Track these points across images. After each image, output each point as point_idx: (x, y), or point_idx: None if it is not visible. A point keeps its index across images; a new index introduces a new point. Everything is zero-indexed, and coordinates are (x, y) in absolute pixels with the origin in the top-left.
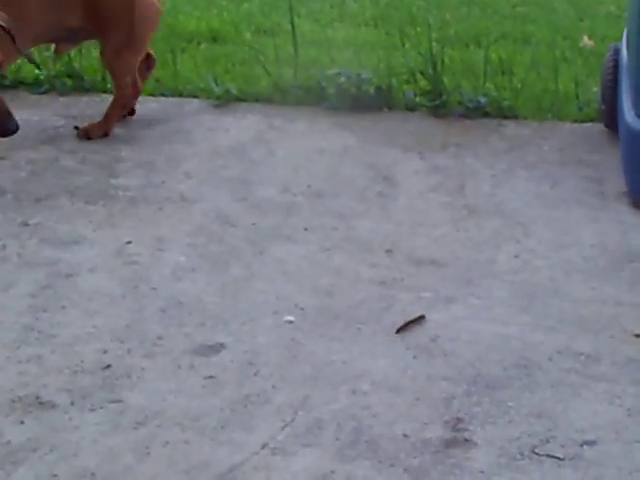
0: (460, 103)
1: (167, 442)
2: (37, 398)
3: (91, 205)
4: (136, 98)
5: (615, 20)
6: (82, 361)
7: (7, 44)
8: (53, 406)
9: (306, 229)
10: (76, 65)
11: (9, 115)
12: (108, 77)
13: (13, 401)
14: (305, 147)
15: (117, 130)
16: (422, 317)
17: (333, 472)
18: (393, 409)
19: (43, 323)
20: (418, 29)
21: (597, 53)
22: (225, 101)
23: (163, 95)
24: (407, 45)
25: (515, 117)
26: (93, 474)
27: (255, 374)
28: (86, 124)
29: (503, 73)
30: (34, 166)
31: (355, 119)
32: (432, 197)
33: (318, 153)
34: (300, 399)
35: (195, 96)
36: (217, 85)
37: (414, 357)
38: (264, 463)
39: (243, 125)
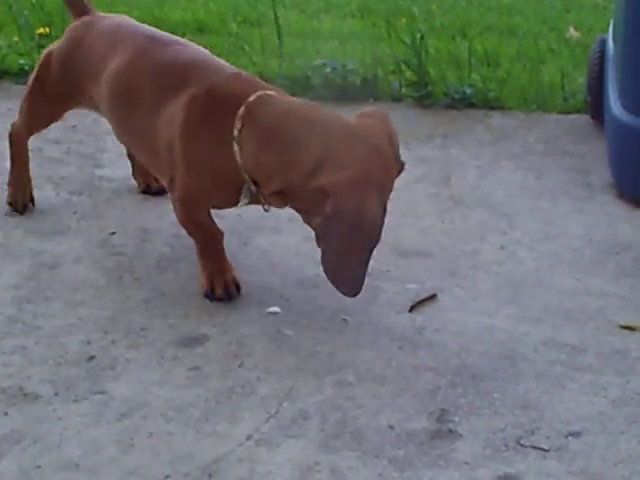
0: (446, 94)
1: (151, 433)
2: (21, 389)
3: (75, 196)
4: None
5: (601, 11)
6: (66, 352)
7: None
8: (37, 397)
9: (290, 220)
10: None
11: None
12: None
13: None
14: None
15: (102, 120)
16: (434, 296)
17: (318, 463)
18: (378, 400)
19: (27, 314)
20: (404, 20)
21: (583, 44)
22: None
23: None
24: (393, 36)
25: (501, 108)
26: (77, 465)
27: (240, 365)
28: None
29: (489, 64)
30: None
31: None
32: (418, 188)
33: None
34: (285, 390)
35: None
36: None
37: (399, 348)
38: (248, 454)
39: None
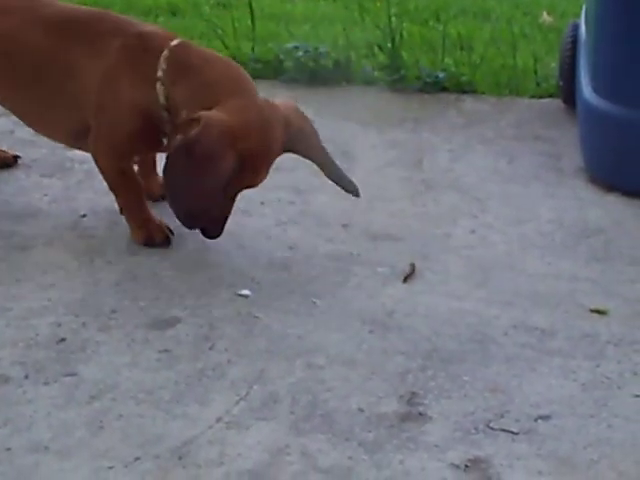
0: (418, 78)
1: (121, 416)
2: None
3: (47, 178)
4: None
5: None
6: (37, 334)
7: None
8: (7, 380)
9: (262, 203)
10: None
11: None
12: None
13: None
14: None
15: None
16: (413, 265)
17: (288, 446)
18: (348, 383)
19: None
20: (377, 4)
21: (556, 29)
22: None
23: None
24: (366, 19)
25: (473, 92)
26: (47, 447)
27: (210, 348)
28: None
29: (462, 48)
30: None
31: (313, 93)
32: (389, 172)
33: None
34: (255, 373)
35: None
36: None
37: (370, 331)
38: (219, 437)
39: None
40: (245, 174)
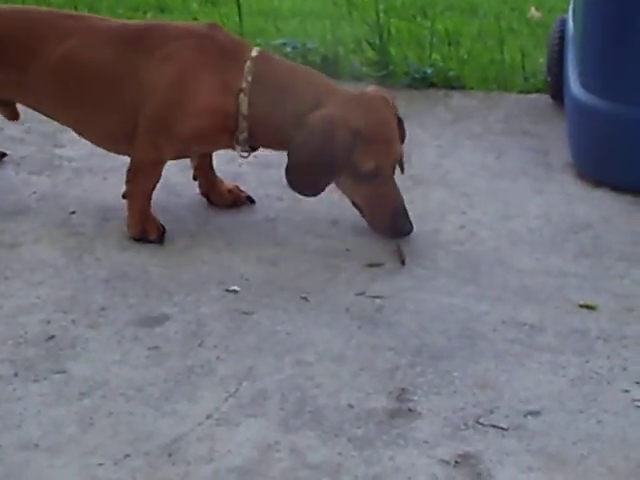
0: (406, 73)
1: (111, 413)
2: None
3: (35, 175)
4: None
5: None
6: (26, 332)
7: None
8: None
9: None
10: None
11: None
12: None
13: None
14: None
15: None
16: (398, 246)
17: (277, 442)
18: (337, 379)
19: None
20: None
21: (544, 24)
22: None
23: None
24: (354, 15)
25: (461, 88)
26: (37, 445)
27: (199, 345)
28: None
29: (450, 44)
30: None
31: None
32: None
33: None
34: (244, 370)
35: None
36: None
37: (359, 327)
38: (208, 433)
39: None
40: (374, 147)
